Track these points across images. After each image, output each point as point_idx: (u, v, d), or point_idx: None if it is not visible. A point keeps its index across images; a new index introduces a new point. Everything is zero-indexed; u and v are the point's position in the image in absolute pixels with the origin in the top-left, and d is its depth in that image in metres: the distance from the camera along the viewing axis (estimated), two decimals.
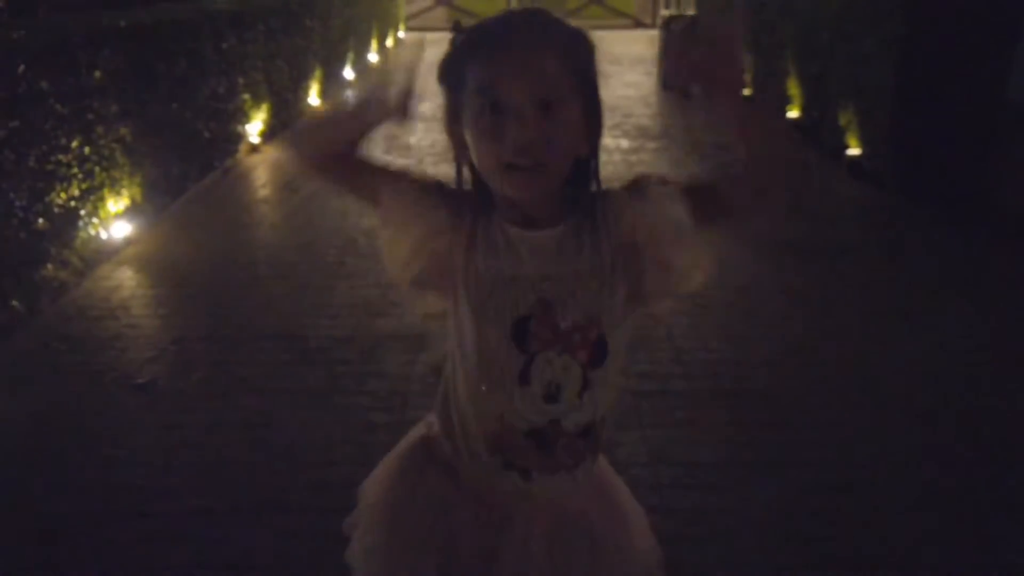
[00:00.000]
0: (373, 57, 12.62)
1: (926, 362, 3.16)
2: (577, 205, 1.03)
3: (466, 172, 1.07)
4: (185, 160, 5.36)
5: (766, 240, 4.41)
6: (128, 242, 4.43)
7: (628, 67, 11.27)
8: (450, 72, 1.00)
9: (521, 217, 1.02)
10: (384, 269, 1.13)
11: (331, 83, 9.56)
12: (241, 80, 6.36)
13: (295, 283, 3.97)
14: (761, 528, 2.24)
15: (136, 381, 3.02)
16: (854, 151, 5.71)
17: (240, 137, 6.46)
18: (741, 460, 2.54)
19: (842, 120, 5.88)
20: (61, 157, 3.87)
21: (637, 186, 1.03)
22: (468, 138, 0.98)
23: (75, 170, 4.00)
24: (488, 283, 1.01)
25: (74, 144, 3.98)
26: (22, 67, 3.55)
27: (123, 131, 4.45)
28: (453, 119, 1.01)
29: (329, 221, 4.89)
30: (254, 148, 6.65)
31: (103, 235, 4.32)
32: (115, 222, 4.41)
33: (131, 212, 4.56)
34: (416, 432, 1.23)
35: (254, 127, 6.71)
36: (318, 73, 8.87)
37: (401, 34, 15.63)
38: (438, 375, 1.18)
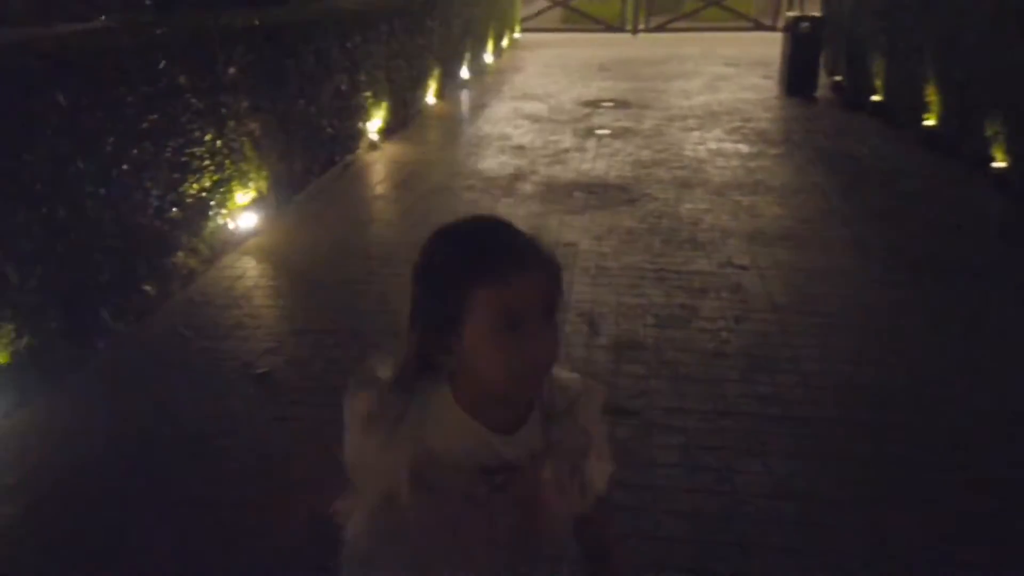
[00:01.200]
0: (489, 58, 12.72)
1: None
2: (539, 403, 1.11)
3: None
4: (309, 155, 5.52)
5: (900, 254, 4.12)
6: (253, 233, 4.60)
7: (747, 69, 10.89)
8: (447, 287, 1.03)
9: (501, 421, 1.07)
10: None
11: (448, 82, 9.69)
12: (363, 78, 6.51)
13: (408, 280, 3.99)
14: None
15: (254, 371, 3.11)
16: (1000, 164, 5.27)
17: (360, 134, 6.61)
18: (873, 497, 2.35)
19: (989, 130, 5.44)
20: (195, 150, 4.05)
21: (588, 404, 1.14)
22: (477, 350, 1.01)
23: (207, 162, 4.17)
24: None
25: (207, 137, 4.15)
26: (163, 63, 3.73)
27: (252, 125, 4.62)
28: (449, 329, 1.03)
29: (442, 219, 4.90)
30: (373, 145, 6.80)
31: (230, 225, 4.49)
32: (242, 213, 4.58)
33: (257, 204, 4.73)
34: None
35: (374, 124, 6.86)
36: (436, 72, 9.00)
37: (517, 35, 15.68)
38: None
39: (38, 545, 2.23)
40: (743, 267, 4.09)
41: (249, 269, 4.22)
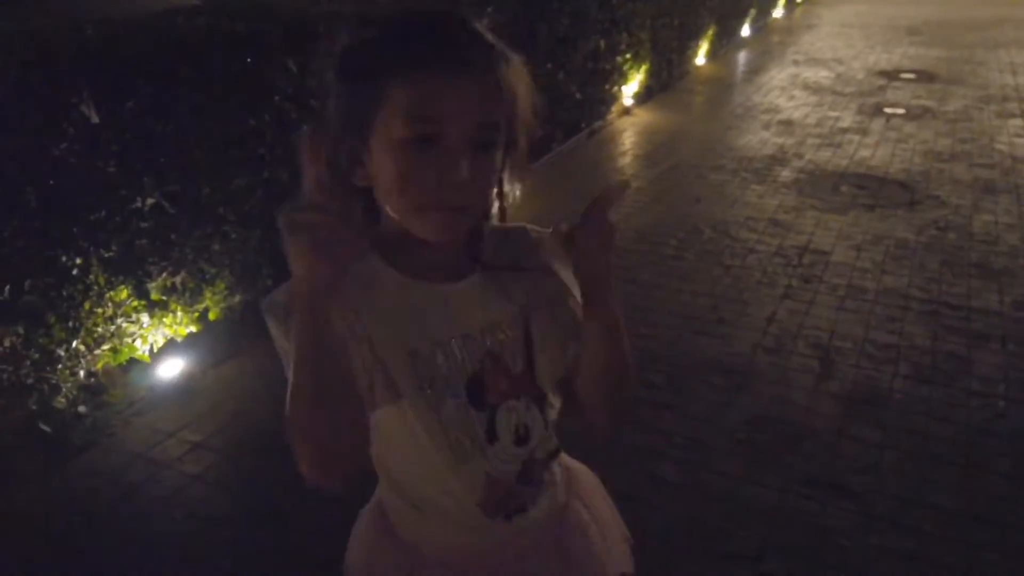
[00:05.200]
0: (779, 12, 11.58)
1: None
2: (482, 245, 0.96)
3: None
4: (552, 122, 5.30)
5: None
6: None
7: None
8: (358, 72, 0.83)
9: (431, 271, 0.92)
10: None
11: (724, 42, 8.93)
12: (624, 38, 6.11)
13: (620, 273, 3.65)
14: None
15: None
16: None
17: (613, 99, 6.26)
18: None
19: None
20: None
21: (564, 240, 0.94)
22: (380, 167, 0.83)
23: None
24: (425, 357, 0.92)
25: None
26: None
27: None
28: (351, 128, 0.83)
29: (678, 204, 4.47)
30: (626, 111, 6.42)
31: None
32: None
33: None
34: (369, 526, 1.10)
35: (630, 89, 6.46)
36: (710, 31, 8.30)
37: None
38: None
39: (223, 500, 2.30)
40: None
41: None
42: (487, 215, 0.97)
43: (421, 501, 1.00)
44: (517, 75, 0.88)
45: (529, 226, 1.03)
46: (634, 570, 1.16)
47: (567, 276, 0.98)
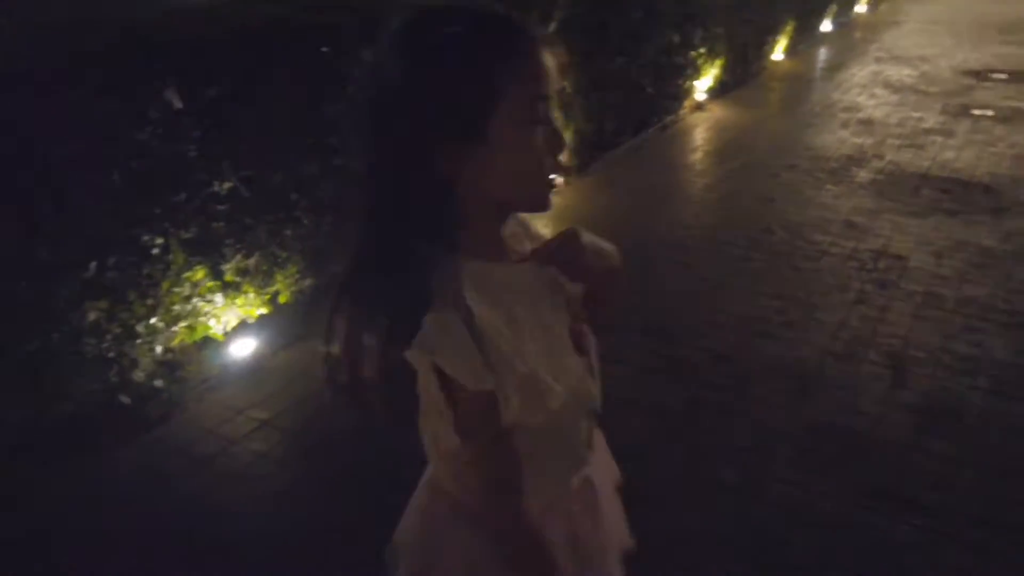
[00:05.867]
0: (861, 8, 11.19)
1: None
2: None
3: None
4: (622, 116, 5.25)
5: None
6: None
7: None
8: (468, 82, 0.82)
9: (504, 255, 0.96)
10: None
11: (804, 37, 8.68)
12: (700, 32, 6.00)
13: (686, 272, 3.60)
14: None
15: None
16: None
17: (685, 94, 6.16)
18: None
19: None
20: None
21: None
22: (507, 153, 0.84)
23: None
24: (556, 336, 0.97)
25: None
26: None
27: (562, 84, 4.45)
28: (454, 127, 0.82)
29: (749, 203, 4.38)
30: (699, 106, 6.31)
31: None
32: None
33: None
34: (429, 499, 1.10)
35: (703, 83, 6.35)
36: (789, 26, 8.08)
37: None
38: None
39: (286, 478, 2.36)
40: None
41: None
42: None
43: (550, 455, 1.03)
44: None
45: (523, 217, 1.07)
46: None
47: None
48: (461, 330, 0.83)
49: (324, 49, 2.93)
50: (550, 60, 0.86)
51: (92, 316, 2.41)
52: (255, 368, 2.87)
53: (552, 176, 0.91)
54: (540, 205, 0.92)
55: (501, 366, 0.85)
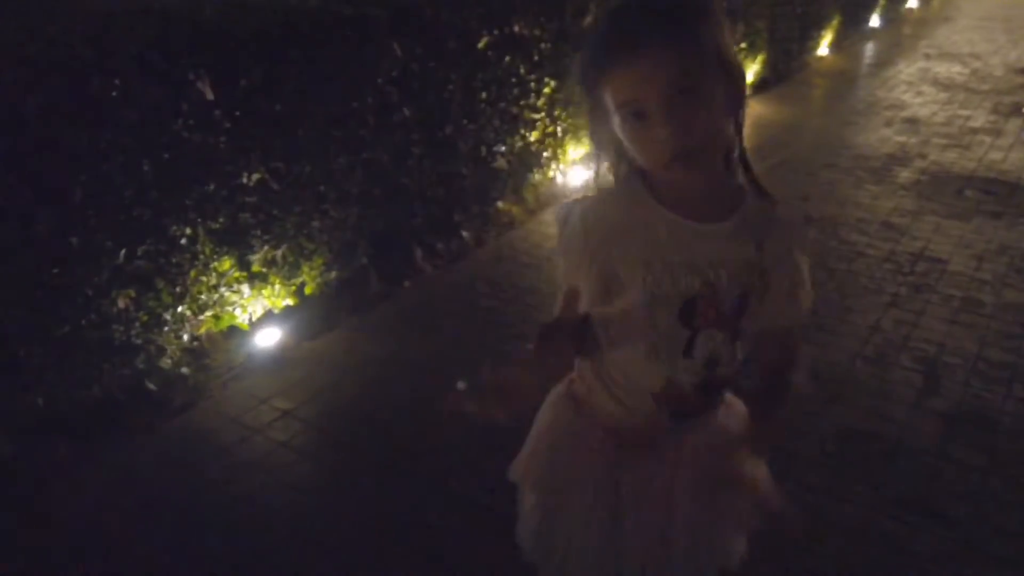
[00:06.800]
0: (913, 3, 10.90)
1: None
2: (744, 204, 1.11)
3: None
4: None
5: None
6: (580, 189, 4.47)
7: None
8: (587, 78, 1.05)
9: (691, 211, 1.09)
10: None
11: (850, 32, 8.48)
12: (741, 27, 5.90)
13: None
14: None
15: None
16: None
17: None
18: None
19: None
20: (530, 101, 3.98)
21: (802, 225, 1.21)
22: (624, 141, 1.05)
23: (541, 115, 4.10)
24: (658, 270, 1.10)
25: (546, 90, 4.05)
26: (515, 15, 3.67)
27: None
28: (597, 121, 1.08)
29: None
30: None
31: (559, 179, 4.42)
32: (572, 168, 4.48)
33: (588, 159, 4.58)
34: (558, 397, 1.34)
35: None
36: (835, 21, 7.91)
37: None
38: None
39: (305, 468, 2.39)
40: None
41: None
42: (729, 148, 1.09)
43: (613, 383, 1.21)
44: (713, 25, 1.00)
45: (781, 202, 1.15)
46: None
47: (802, 261, 1.15)
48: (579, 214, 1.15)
49: (354, 42, 2.95)
50: (639, 67, 0.98)
51: (121, 303, 2.47)
52: (280, 358, 2.90)
53: (669, 159, 1.01)
54: (668, 178, 1.07)
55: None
